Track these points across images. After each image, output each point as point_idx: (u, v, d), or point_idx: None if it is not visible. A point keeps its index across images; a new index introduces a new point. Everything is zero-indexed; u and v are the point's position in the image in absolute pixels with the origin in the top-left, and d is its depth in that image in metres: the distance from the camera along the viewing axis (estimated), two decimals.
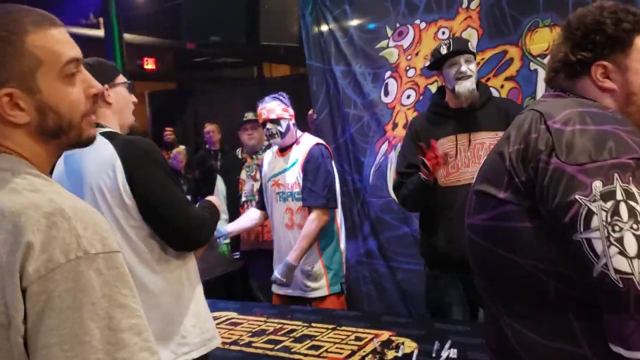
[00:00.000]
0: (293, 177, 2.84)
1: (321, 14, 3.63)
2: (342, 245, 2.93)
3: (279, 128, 2.81)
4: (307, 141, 2.89)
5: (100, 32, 6.53)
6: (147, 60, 9.26)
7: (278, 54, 8.97)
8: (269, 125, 2.82)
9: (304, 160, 2.81)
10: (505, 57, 3.07)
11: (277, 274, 2.73)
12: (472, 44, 2.51)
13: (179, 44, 7.95)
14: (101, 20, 6.81)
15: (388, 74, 3.43)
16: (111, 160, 1.64)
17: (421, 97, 3.32)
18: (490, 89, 2.70)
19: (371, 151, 3.49)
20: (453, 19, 3.21)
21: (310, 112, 5.10)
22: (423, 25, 3.31)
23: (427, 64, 2.78)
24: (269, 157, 3.04)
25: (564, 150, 1.01)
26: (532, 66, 2.99)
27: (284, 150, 2.91)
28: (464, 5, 3.17)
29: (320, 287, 2.83)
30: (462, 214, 2.29)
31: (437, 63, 2.48)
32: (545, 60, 2.95)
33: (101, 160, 1.65)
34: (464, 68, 2.38)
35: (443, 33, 3.23)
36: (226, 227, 3.07)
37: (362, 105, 3.50)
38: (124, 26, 5.16)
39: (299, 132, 2.93)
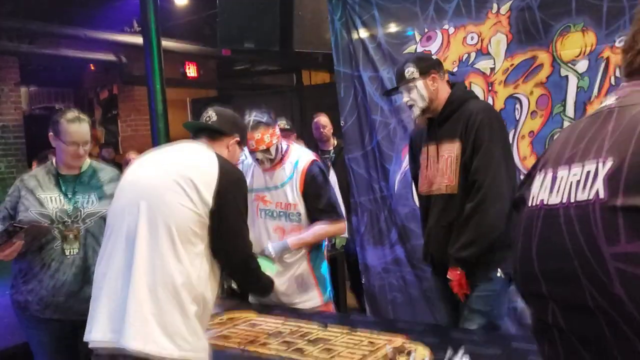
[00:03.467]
0: (287, 197, 2.69)
1: (350, 19, 3.64)
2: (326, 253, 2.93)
3: (269, 156, 2.65)
4: (298, 155, 2.73)
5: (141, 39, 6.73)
6: (189, 67, 9.47)
7: (316, 61, 9.04)
8: (258, 155, 2.64)
9: (304, 183, 2.66)
10: (535, 62, 3.01)
11: (271, 248, 2.62)
12: (410, 71, 2.46)
13: (217, 51, 8.09)
14: None
15: None
16: (211, 170, 1.85)
17: None
18: (472, 91, 2.83)
19: (397, 159, 3.48)
20: (482, 23, 3.17)
21: (316, 119, 5.11)
22: (452, 29, 3.28)
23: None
24: (246, 165, 2.81)
25: None
26: (563, 72, 2.93)
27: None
28: (494, 9, 3.13)
29: (313, 298, 2.76)
30: (431, 222, 2.45)
31: (390, 92, 2.86)
32: (577, 66, 2.89)
33: (203, 164, 1.88)
34: (405, 99, 2.52)
35: (472, 38, 3.20)
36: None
37: (389, 111, 3.49)
38: (167, 34, 5.29)
39: (283, 144, 2.75)
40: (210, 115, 2.10)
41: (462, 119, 2.41)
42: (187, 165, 1.88)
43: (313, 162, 2.73)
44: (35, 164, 7.67)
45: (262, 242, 2.72)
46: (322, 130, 5.10)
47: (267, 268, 2.39)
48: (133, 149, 8.20)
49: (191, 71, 9.51)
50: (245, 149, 2.78)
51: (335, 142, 5.15)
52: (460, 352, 1.91)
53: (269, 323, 2.44)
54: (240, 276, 2.09)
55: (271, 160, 2.68)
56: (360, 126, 3.63)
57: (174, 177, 1.84)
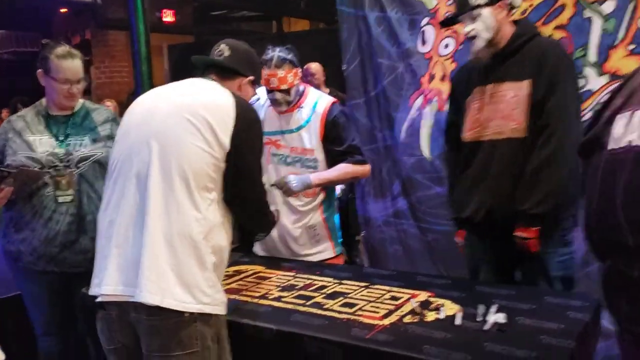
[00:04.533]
0: (304, 141, 2.49)
1: None
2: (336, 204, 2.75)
3: (288, 98, 2.45)
4: (316, 98, 2.52)
5: None
6: (165, 13, 9.05)
7: (297, 7, 8.71)
8: (277, 95, 2.43)
9: (324, 128, 2.46)
10: (557, 3, 2.83)
11: (292, 179, 2.39)
12: None
13: None
14: None
15: (425, 20, 3.20)
16: (228, 109, 1.67)
17: (460, 47, 3.11)
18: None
19: (404, 106, 3.30)
20: None
21: (306, 66, 4.90)
22: None
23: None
24: (257, 107, 2.52)
25: None
26: (587, 14, 2.75)
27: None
28: None
29: (325, 250, 2.60)
30: (482, 172, 2.22)
31: (449, 22, 2.44)
32: (603, 7, 2.72)
33: (218, 103, 1.69)
34: (467, 29, 2.25)
35: None
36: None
37: (397, 55, 3.29)
38: None
39: (300, 86, 2.52)
40: (223, 49, 1.86)
41: (533, 55, 2.18)
42: (201, 104, 1.68)
43: (333, 104, 2.54)
44: (5, 112, 7.29)
45: (272, 191, 2.54)
46: (310, 78, 4.90)
47: None
48: (107, 97, 7.87)
49: (168, 16, 9.09)
50: (260, 89, 2.60)
51: (328, 91, 4.95)
52: (494, 307, 1.80)
53: (279, 276, 2.29)
54: (253, 222, 1.94)
55: (289, 103, 2.48)
56: (364, 70, 3.43)
57: (186, 115, 1.65)
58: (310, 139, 2.49)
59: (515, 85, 2.18)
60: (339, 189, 3.15)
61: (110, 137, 2.36)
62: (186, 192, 1.60)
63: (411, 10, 3.20)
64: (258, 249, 2.70)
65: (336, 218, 2.69)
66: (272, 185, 2.43)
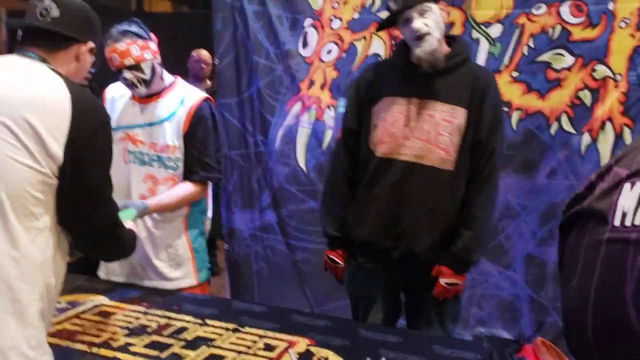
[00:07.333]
0: (166, 137, 2.14)
1: None
2: (208, 222, 2.40)
3: (142, 75, 2.08)
4: (185, 92, 2.20)
5: None
6: None
7: None
8: (126, 75, 2.08)
9: (190, 122, 2.13)
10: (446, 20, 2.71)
11: (135, 208, 2.03)
12: None
13: None
14: None
15: (309, 21, 2.93)
16: (61, 107, 1.25)
17: (344, 55, 2.89)
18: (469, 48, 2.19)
19: (280, 111, 3.01)
20: None
21: (197, 52, 4.48)
22: None
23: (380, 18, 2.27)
24: (116, 96, 2.24)
25: None
26: (474, 35, 2.67)
27: (147, 96, 2.18)
28: None
29: (186, 276, 2.24)
30: (392, 195, 1.94)
31: (388, 22, 2.04)
32: (490, 30, 2.65)
33: (46, 98, 1.26)
34: (417, 24, 1.88)
35: None
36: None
37: (276, 55, 2.99)
38: None
39: (166, 74, 2.21)
40: (49, 7, 1.36)
41: (468, 80, 1.94)
42: (21, 99, 1.24)
43: (205, 100, 2.20)
44: None
45: (130, 194, 2.16)
46: (204, 65, 4.48)
47: (126, 218, 1.80)
48: None
49: None
50: (115, 86, 2.19)
51: (209, 84, 4.52)
52: None
53: (127, 312, 1.89)
54: (102, 250, 1.51)
55: (146, 82, 2.10)
56: (238, 68, 3.08)
57: (0, 117, 1.21)
58: (172, 135, 2.14)
59: (449, 108, 1.93)
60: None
61: None
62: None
63: (294, 8, 2.92)
64: (101, 271, 2.26)
65: (202, 236, 2.33)
66: None
